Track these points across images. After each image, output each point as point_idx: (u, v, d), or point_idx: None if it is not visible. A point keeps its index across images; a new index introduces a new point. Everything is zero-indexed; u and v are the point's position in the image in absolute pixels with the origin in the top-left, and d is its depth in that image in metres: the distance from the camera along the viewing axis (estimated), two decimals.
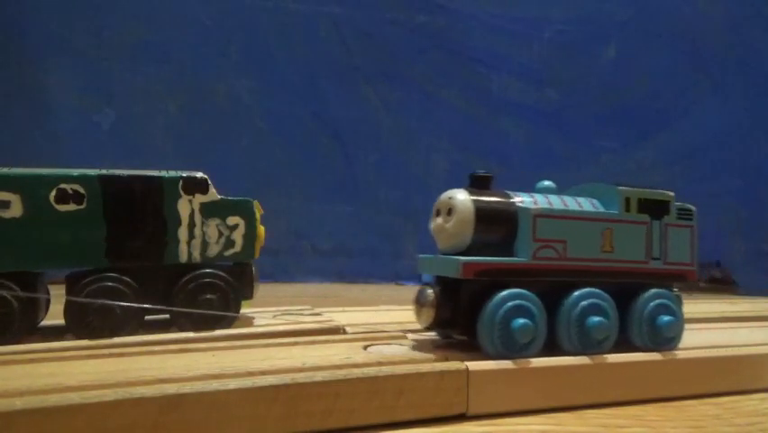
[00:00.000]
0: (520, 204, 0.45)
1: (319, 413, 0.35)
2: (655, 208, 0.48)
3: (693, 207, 0.50)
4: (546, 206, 0.46)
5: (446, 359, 0.40)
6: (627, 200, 0.47)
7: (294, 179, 1.27)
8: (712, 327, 0.61)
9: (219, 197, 0.53)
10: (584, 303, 0.44)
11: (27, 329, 0.48)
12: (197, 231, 0.53)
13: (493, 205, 0.45)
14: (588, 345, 0.43)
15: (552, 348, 0.43)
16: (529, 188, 0.47)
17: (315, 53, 1.28)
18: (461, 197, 0.44)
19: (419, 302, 0.44)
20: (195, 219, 0.53)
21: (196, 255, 0.53)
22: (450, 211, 0.44)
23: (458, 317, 0.43)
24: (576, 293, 0.44)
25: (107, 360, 0.40)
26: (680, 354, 0.46)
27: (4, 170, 0.48)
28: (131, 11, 1.21)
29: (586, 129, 1.37)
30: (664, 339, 0.46)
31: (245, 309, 0.57)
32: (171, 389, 0.32)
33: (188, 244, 0.52)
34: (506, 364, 0.41)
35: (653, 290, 0.46)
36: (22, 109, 1.16)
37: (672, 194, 0.49)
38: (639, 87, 1.39)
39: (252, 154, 1.25)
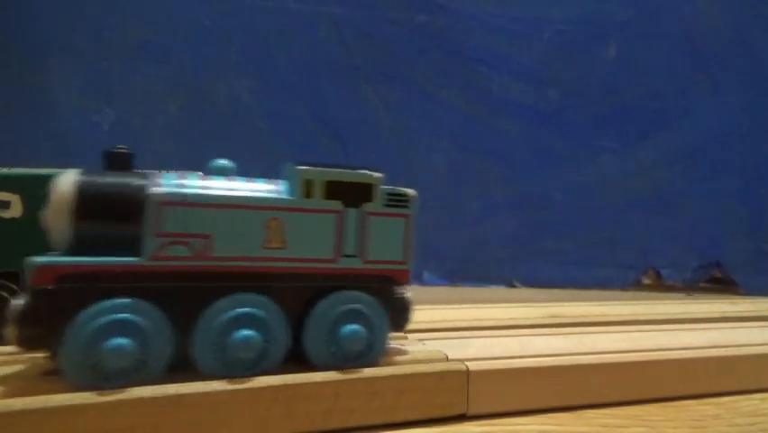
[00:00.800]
0: (153, 189, 0.35)
1: (319, 413, 0.35)
2: (351, 194, 0.38)
3: (412, 192, 0.40)
4: (197, 190, 0.35)
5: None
6: (308, 183, 0.38)
7: None
8: (712, 326, 0.61)
9: None
10: (229, 314, 0.35)
11: None
12: None
13: (108, 188, 0.34)
14: (233, 368, 0.35)
15: (188, 370, 0.35)
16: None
17: (315, 53, 1.28)
18: (61, 178, 0.34)
19: (5, 316, 0.33)
20: None
21: None
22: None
23: (46, 336, 0.33)
24: (219, 303, 0.35)
25: None
26: (680, 355, 0.46)
27: (4, 170, 0.48)
28: (131, 11, 1.21)
29: (586, 129, 1.36)
30: (349, 354, 0.38)
31: None
32: (171, 389, 0.32)
33: None
34: (506, 364, 0.41)
35: (337, 295, 0.38)
36: (22, 109, 1.16)
37: (378, 176, 0.39)
38: (639, 87, 1.39)
39: (252, 154, 1.25)
